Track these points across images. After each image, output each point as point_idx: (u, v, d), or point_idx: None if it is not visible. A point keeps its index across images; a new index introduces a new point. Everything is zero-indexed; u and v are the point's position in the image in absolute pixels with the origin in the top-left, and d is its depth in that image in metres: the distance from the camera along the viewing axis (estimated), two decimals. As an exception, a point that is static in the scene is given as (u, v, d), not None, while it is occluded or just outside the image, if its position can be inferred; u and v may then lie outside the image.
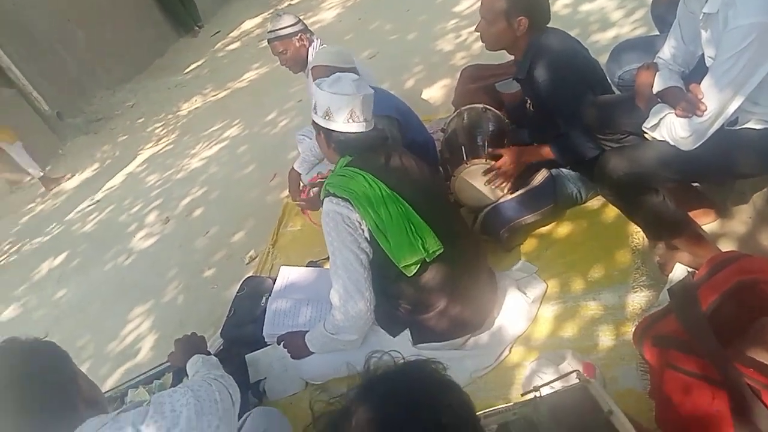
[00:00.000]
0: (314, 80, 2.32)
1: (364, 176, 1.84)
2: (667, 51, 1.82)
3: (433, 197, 1.98)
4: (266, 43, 3.16)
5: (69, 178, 5.70)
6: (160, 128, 5.91)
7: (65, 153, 6.46)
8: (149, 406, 1.26)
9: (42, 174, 5.58)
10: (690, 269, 1.81)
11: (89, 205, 4.97)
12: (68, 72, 6.98)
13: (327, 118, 1.87)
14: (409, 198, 1.85)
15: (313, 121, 1.95)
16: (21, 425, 1.16)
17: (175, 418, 1.22)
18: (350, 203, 1.81)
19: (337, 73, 1.96)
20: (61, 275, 4.11)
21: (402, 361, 0.88)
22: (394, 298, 1.99)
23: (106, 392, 2.37)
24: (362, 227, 1.83)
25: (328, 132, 1.91)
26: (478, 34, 2.23)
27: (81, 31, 7.17)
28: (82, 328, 3.40)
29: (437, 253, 1.85)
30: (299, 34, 2.97)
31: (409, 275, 1.87)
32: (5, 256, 4.83)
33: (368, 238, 1.84)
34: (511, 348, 1.99)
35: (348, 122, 1.87)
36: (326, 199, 1.86)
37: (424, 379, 0.84)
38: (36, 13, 6.67)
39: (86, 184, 5.45)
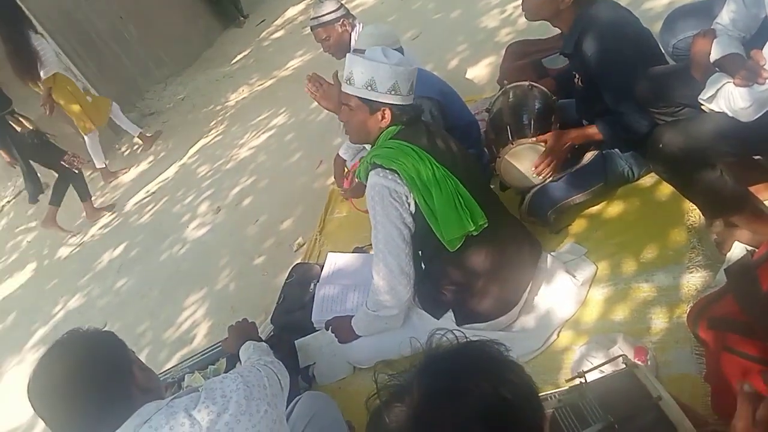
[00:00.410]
0: None
1: (413, 149, 1.82)
2: (725, 16, 1.71)
3: (474, 179, 1.96)
4: (309, 30, 3.16)
5: (126, 172, 5.92)
6: (210, 119, 6.05)
7: (121, 147, 6.71)
8: (201, 391, 1.30)
9: (104, 166, 5.83)
10: (749, 248, 1.71)
11: (145, 197, 5.16)
12: (123, 68, 7.22)
13: (394, 92, 1.84)
14: (451, 167, 1.86)
15: (367, 99, 1.86)
16: (78, 414, 1.22)
17: (225, 403, 1.26)
18: (398, 175, 1.80)
19: (381, 47, 1.93)
20: (121, 265, 4.30)
21: (465, 340, 0.89)
22: (436, 279, 1.99)
23: (161, 373, 2.48)
24: (408, 201, 1.82)
25: (392, 107, 1.87)
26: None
27: (133, 28, 7.40)
28: (141, 316, 3.55)
29: (483, 227, 1.84)
30: (341, 20, 2.96)
31: (451, 249, 1.86)
32: (70, 247, 5.08)
33: (413, 212, 1.84)
34: (559, 332, 1.95)
35: (409, 94, 1.88)
36: (372, 172, 1.84)
37: (486, 356, 0.85)
38: (92, 12, 6.92)
39: (142, 176, 5.66)
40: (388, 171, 1.80)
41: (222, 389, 1.30)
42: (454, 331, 0.91)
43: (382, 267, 1.88)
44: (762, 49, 1.45)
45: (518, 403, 0.79)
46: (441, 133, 2.02)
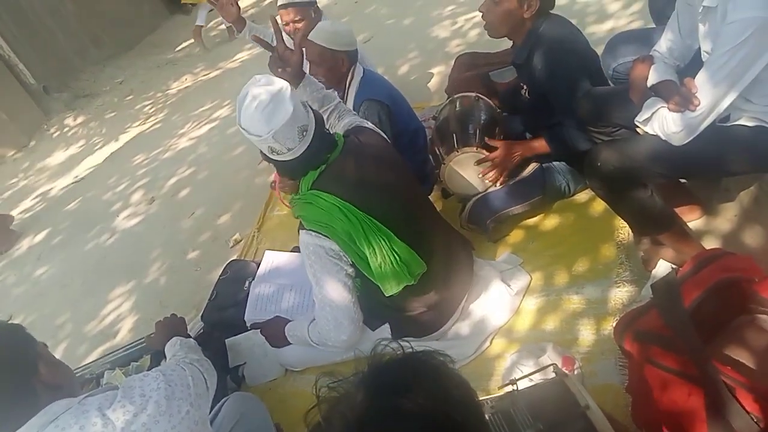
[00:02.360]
0: (307, 57, 2.24)
1: (339, 207, 1.72)
2: (663, 44, 1.79)
3: (412, 204, 1.92)
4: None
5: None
6: (149, 106, 5.83)
7: (50, 128, 6.36)
8: (119, 390, 1.23)
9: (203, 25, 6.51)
10: (673, 266, 1.80)
11: (73, 183, 4.90)
12: (57, 45, 6.85)
13: (274, 153, 1.69)
14: (382, 216, 1.75)
15: (272, 160, 1.76)
16: None
17: (144, 403, 1.19)
18: (329, 237, 1.74)
19: (245, 105, 1.65)
20: (42, 253, 4.06)
21: (409, 350, 0.85)
22: (375, 296, 1.93)
23: (77, 369, 2.34)
24: (346, 256, 1.78)
25: (284, 163, 1.73)
26: (475, 21, 2.18)
27: (71, 3, 7.03)
28: (61, 307, 3.36)
29: (421, 274, 1.83)
30: (315, 5, 2.93)
31: (395, 295, 1.84)
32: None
33: (352, 263, 1.81)
34: (492, 339, 1.98)
35: (300, 142, 1.68)
36: (303, 232, 1.79)
37: (430, 370, 0.81)
38: (25, -16, 6.53)
39: (71, 160, 5.38)
40: (318, 232, 1.75)
41: (141, 388, 1.23)
42: (399, 342, 0.87)
43: (331, 320, 1.84)
44: (694, 78, 1.52)
45: (463, 419, 0.76)
46: (375, 155, 1.86)
